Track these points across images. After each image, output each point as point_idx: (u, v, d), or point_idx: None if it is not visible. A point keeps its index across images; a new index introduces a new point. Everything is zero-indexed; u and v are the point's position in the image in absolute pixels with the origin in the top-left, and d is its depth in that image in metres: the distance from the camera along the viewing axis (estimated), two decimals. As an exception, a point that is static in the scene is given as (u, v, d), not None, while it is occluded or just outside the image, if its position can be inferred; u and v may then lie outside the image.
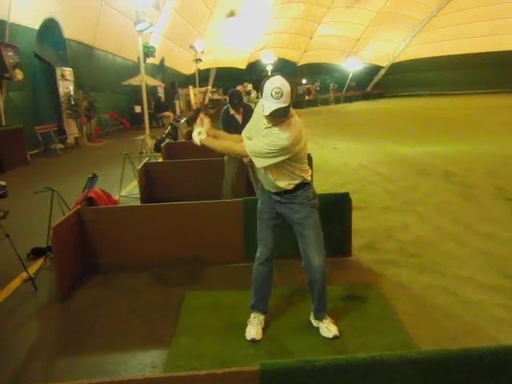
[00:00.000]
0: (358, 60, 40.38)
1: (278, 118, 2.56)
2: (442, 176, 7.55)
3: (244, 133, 2.89)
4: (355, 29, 38.29)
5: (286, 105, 2.50)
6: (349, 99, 37.30)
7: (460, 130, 13.88)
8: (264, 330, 3.00)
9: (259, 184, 3.02)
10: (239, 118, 5.54)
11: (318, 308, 3.00)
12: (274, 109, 2.49)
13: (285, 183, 2.77)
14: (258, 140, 2.68)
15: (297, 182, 2.78)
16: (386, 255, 4.30)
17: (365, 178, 7.65)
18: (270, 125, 2.64)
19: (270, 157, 2.63)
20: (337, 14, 35.31)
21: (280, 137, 2.58)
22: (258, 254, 3.01)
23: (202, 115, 2.91)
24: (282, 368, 1.90)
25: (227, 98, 5.72)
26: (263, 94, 2.53)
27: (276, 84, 2.49)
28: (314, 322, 3.05)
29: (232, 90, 5.64)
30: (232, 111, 5.52)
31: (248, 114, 5.59)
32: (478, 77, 35.59)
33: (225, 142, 2.93)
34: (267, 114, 2.52)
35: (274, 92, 2.47)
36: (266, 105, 2.51)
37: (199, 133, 2.83)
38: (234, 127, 5.52)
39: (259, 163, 2.70)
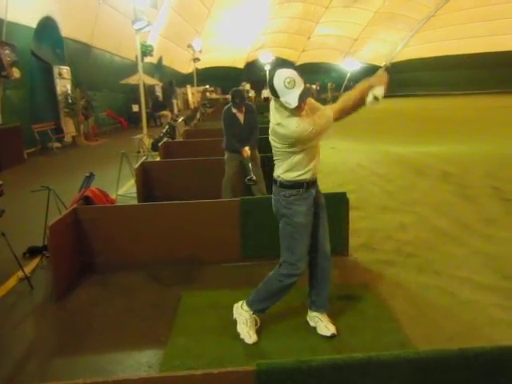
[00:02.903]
0: (356, 60, 40.40)
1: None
2: (440, 176, 7.56)
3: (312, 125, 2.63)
4: (353, 28, 38.34)
5: (304, 85, 2.50)
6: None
7: (457, 131, 13.90)
8: (261, 329, 2.99)
9: (297, 192, 2.76)
10: (241, 117, 5.50)
11: (325, 297, 3.00)
12: (298, 95, 2.46)
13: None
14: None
15: None
16: (384, 255, 4.30)
17: (362, 178, 7.64)
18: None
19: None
20: (335, 14, 35.33)
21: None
22: (298, 268, 2.80)
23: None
24: (278, 368, 1.89)
25: (229, 97, 5.69)
26: (279, 93, 2.48)
27: (284, 75, 2.48)
28: (312, 321, 3.04)
29: (235, 88, 5.58)
30: (234, 110, 5.48)
31: (250, 113, 5.57)
32: (476, 77, 35.71)
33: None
34: (297, 103, 2.47)
35: (287, 82, 2.45)
36: (290, 98, 2.46)
37: (375, 97, 2.58)
38: (236, 127, 5.51)
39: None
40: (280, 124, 2.59)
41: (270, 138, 2.77)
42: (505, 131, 13.05)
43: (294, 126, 2.52)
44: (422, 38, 38.87)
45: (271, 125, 2.70)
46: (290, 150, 2.65)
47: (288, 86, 2.45)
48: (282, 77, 2.47)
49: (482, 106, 23.34)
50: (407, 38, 40.16)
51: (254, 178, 5.43)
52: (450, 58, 36.97)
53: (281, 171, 2.75)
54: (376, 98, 2.56)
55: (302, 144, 2.61)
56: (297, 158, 2.68)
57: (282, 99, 2.50)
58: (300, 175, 2.72)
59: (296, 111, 2.55)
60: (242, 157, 5.54)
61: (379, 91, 2.57)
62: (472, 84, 35.70)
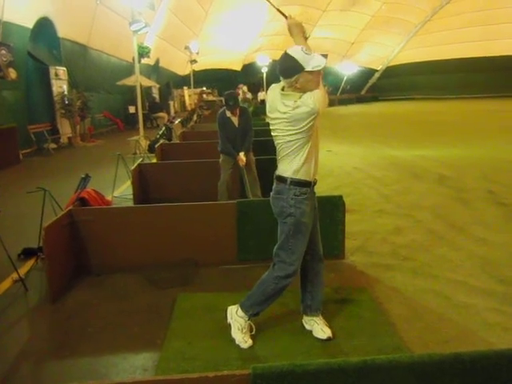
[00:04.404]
0: (353, 63, 40.52)
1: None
2: (436, 179, 7.58)
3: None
4: (350, 32, 38.46)
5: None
6: (343, 102, 37.42)
7: (454, 134, 13.96)
8: (256, 333, 2.98)
9: (306, 191, 2.73)
10: (236, 120, 5.49)
11: (320, 300, 3.01)
12: (320, 55, 2.55)
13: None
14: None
15: None
16: (379, 258, 4.30)
17: (359, 181, 7.66)
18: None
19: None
20: (332, 17, 35.43)
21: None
22: (295, 268, 2.80)
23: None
24: (273, 371, 1.88)
25: (223, 100, 5.69)
26: (303, 63, 2.52)
27: (297, 47, 2.57)
28: (308, 325, 3.04)
29: (227, 91, 5.58)
30: (228, 114, 5.47)
31: (244, 116, 5.57)
32: (472, 81, 35.88)
33: None
34: (325, 60, 2.57)
35: (305, 50, 2.56)
36: (316, 60, 2.54)
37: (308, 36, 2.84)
38: (231, 130, 5.50)
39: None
40: (298, 106, 2.54)
41: (280, 136, 2.66)
42: (500, 135, 13.13)
43: (310, 98, 2.53)
44: (418, 41, 39.06)
45: (283, 118, 2.60)
46: (308, 133, 2.60)
47: (308, 52, 2.54)
48: (298, 49, 2.56)
49: (478, 110, 23.46)
50: (404, 42, 40.34)
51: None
52: (446, 62, 37.15)
53: (293, 168, 2.68)
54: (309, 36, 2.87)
55: (320, 115, 2.60)
56: (308, 150, 2.64)
57: (308, 68, 2.53)
58: (309, 174, 2.71)
59: (316, 80, 2.58)
60: (237, 162, 5.57)
61: (306, 33, 2.86)
62: (468, 88, 35.90)
